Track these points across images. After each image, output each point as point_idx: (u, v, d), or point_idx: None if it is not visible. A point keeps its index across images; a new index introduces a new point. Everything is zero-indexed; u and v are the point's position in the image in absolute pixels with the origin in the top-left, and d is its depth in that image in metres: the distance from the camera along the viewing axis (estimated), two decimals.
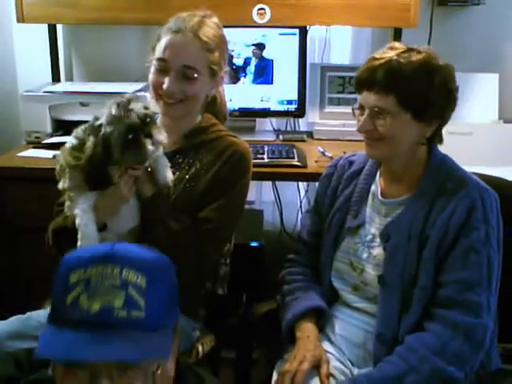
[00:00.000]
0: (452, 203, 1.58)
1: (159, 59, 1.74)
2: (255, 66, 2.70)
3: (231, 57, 2.64)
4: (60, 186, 1.68)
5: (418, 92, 1.55)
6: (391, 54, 1.58)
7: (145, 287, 1.03)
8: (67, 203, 1.68)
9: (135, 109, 1.57)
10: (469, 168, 1.69)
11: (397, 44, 1.63)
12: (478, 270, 1.54)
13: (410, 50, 1.60)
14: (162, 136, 1.62)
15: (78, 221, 1.63)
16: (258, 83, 2.72)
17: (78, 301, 1.01)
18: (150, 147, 1.57)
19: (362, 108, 1.63)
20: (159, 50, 1.74)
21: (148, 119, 1.59)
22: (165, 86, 1.73)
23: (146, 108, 1.61)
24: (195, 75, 1.74)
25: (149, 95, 1.85)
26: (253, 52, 2.69)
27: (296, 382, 1.56)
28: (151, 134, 1.59)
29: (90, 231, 1.62)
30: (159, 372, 1.05)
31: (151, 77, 1.77)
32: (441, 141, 1.68)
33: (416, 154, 1.65)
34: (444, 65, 1.60)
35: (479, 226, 1.55)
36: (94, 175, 1.60)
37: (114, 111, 1.57)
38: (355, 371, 1.65)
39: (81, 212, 1.63)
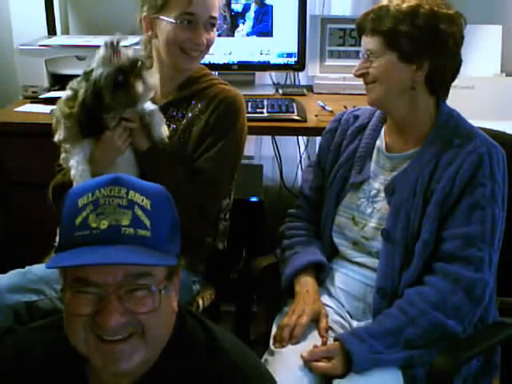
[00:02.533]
0: (459, 158, 1.57)
1: (186, 13, 1.71)
2: (255, 12, 2.65)
3: (229, 2, 2.60)
4: (56, 138, 1.68)
5: (402, 31, 1.57)
6: (386, 1, 1.62)
7: (150, 209, 1.06)
8: (62, 155, 1.69)
9: (125, 52, 1.57)
10: (471, 122, 1.68)
11: None
12: (482, 225, 1.54)
13: None
14: (152, 78, 1.61)
15: (73, 172, 1.63)
16: (256, 31, 2.67)
17: (87, 220, 1.03)
18: (139, 89, 1.57)
19: (361, 53, 1.68)
20: (181, 5, 1.70)
21: (139, 62, 1.58)
22: (197, 40, 1.73)
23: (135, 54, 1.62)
24: (217, 24, 1.78)
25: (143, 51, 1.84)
26: None
27: (294, 335, 1.58)
28: (142, 76, 1.58)
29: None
30: (165, 294, 1.07)
31: (173, 33, 1.72)
32: (446, 95, 1.68)
33: (417, 104, 1.64)
34: (442, 11, 1.60)
35: (485, 183, 1.55)
36: (87, 120, 1.60)
37: (102, 52, 1.56)
38: (354, 324, 1.67)
39: (75, 163, 1.63)
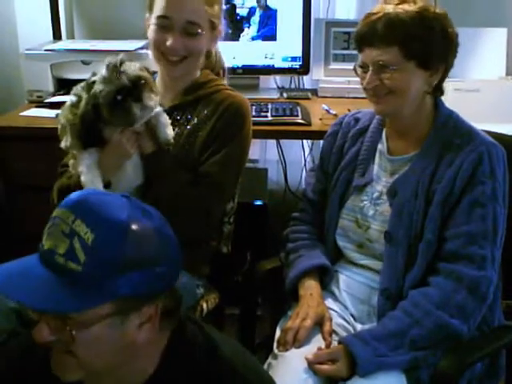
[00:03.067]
0: (459, 158, 1.57)
1: (161, 16, 1.71)
2: (259, 17, 2.65)
3: (234, 7, 2.60)
4: (62, 144, 1.68)
5: (420, 39, 1.55)
6: (387, 7, 1.57)
7: (90, 245, 1.02)
8: (71, 161, 1.69)
9: (128, 71, 1.55)
10: (476, 125, 1.68)
11: None
12: (483, 223, 1.54)
13: (404, 1, 1.59)
14: (152, 101, 1.60)
15: (83, 178, 1.63)
16: (261, 35, 2.67)
17: (43, 235, 1.07)
18: (137, 112, 1.56)
19: (364, 66, 1.62)
20: (159, 7, 1.71)
21: (141, 81, 1.57)
22: (168, 44, 1.71)
23: (142, 69, 1.59)
24: (198, 31, 1.72)
25: (150, 53, 1.83)
26: (257, 1, 2.64)
27: (298, 338, 1.58)
28: (141, 98, 1.57)
29: (96, 187, 1.62)
30: (75, 333, 1.04)
31: (152, 35, 1.75)
32: (441, 92, 1.67)
33: (423, 107, 1.64)
34: (441, 12, 1.59)
35: (485, 181, 1.55)
36: (86, 133, 1.60)
37: (104, 73, 1.56)
38: (358, 327, 1.66)
39: (86, 169, 1.64)
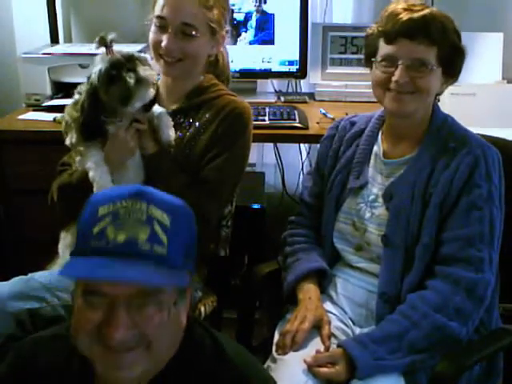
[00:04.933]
0: (455, 161, 1.58)
1: (158, 17, 1.74)
2: (256, 21, 2.66)
3: (232, 12, 2.61)
4: (67, 141, 1.70)
5: (454, 45, 1.58)
6: (420, 7, 1.58)
7: (169, 226, 1.05)
8: (78, 158, 1.70)
9: (120, 50, 1.59)
10: (472, 129, 1.69)
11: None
12: (480, 226, 1.55)
13: (425, 7, 1.60)
14: (147, 72, 1.61)
15: (92, 174, 1.65)
16: (258, 39, 2.68)
17: (105, 231, 1.02)
18: (131, 82, 1.57)
19: (391, 59, 1.59)
20: (158, 8, 1.74)
21: (134, 56, 1.60)
22: (163, 44, 1.73)
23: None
24: (193, 33, 1.73)
25: (149, 56, 1.83)
26: (255, 6, 2.65)
27: (296, 341, 1.58)
28: (134, 69, 1.59)
29: (105, 182, 1.64)
30: (175, 310, 1.07)
31: (151, 35, 1.77)
32: (438, 99, 1.71)
33: (428, 109, 1.66)
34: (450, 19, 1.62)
35: (482, 184, 1.55)
36: (86, 123, 1.61)
37: (95, 47, 1.59)
38: (357, 330, 1.66)
39: (94, 165, 1.65)
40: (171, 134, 1.73)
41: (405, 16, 1.56)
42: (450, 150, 1.60)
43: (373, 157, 1.74)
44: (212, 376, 1.13)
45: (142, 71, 1.60)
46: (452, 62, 1.59)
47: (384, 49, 1.60)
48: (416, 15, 1.55)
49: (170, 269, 1.04)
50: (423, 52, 1.55)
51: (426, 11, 1.56)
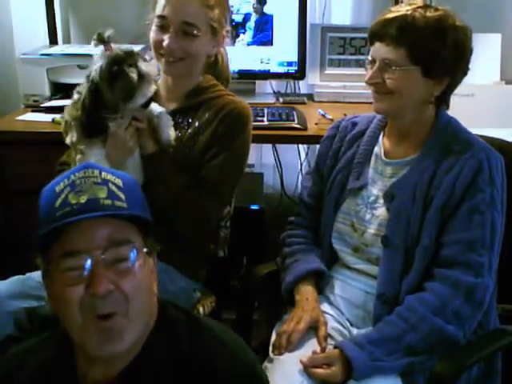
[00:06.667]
0: (458, 164, 1.58)
1: (159, 16, 1.74)
2: (255, 22, 2.66)
3: (230, 13, 2.61)
4: (68, 140, 1.70)
5: (430, 47, 1.55)
6: (407, 8, 1.58)
7: (122, 186, 1.12)
8: (78, 156, 1.70)
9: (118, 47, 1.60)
10: (470, 130, 1.68)
11: (416, 0, 1.62)
12: (482, 230, 1.54)
13: (427, 6, 1.60)
14: (149, 68, 1.62)
15: None
16: (257, 40, 2.68)
17: (67, 199, 1.08)
18: (134, 76, 1.57)
19: (373, 61, 1.62)
20: (159, 7, 1.74)
21: (133, 52, 1.60)
22: (165, 44, 1.73)
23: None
24: (195, 32, 1.74)
25: (148, 56, 1.84)
26: (253, 7, 2.65)
27: (292, 341, 1.58)
28: (136, 65, 1.59)
29: None
30: (145, 265, 1.12)
31: (152, 35, 1.78)
32: (447, 106, 1.68)
33: (424, 114, 1.65)
34: (461, 25, 1.59)
35: (485, 188, 1.55)
36: (88, 120, 1.62)
37: (93, 45, 1.59)
38: (354, 332, 1.66)
39: (95, 162, 1.64)
40: (171, 133, 1.73)
41: (381, 18, 1.60)
42: (454, 153, 1.60)
43: (373, 157, 1.74)
44: (190, 348, 1.15)
45: (143, 66, 1.60)
46: (428, 62, 1.56)
47: (371, 50, 1.65)
48: (387, 17, 1.58)
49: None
50: (390, 52, 1.57)
51: (402, 12, 1.57)
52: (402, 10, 1.58)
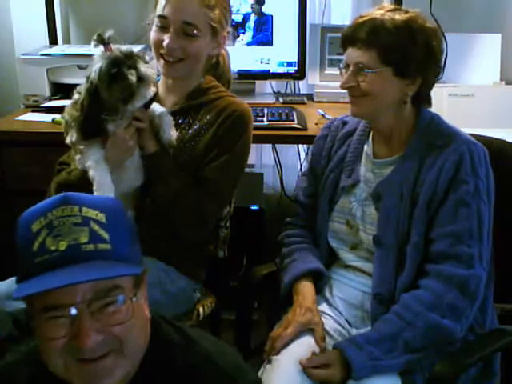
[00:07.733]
0: (440, 159, 1.58)
1: (159, 16, 1.74)
2: (254, 22, 2.66)
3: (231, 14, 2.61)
4: (67, 140, 1.70)
5: (399, 47, 1.57)
6: (377, 12, 1.60)
7: (106, 222, 1.04)
8: (78, 156, 1.70)
9: (118, 47, 1.59)
10: (470, 130, 1.69)
11: (386, 4, 1.64)
12: (468, 222, 1.55)
13: (397, 9, 1.62)
14: (149, 70, 1.61)
15: (92, 172, 1.64)
16: (257, 40, 2.68)
17: (45, 244, 1.01)
18: (133, 79, 1.57)
19: (347, 66, 1.64)
20: (159, 7, 1.74)
21: (133, 53, 1.59)
22: (165, 43, 1.73)
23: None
24: (195, 32, 1.73)
25: (148, 57, 1.84)
26: (252, 7, 2.65)
27: (275, 346, 1.58)
28: (135, 67, 1.58)
29: (105, 181, 1.64)
30: (136, 303, 1.05)
31: (152, 35, 1.77)
32: (429, 104, 1.69)
33: (402, 114, 1.66)
34: (430, 26, 1.62)
35: (468, 179, 1.56)
36: (86, 121, 1.61)
37: (93, 45, 1.59)
38: (353, 332, 1.67)
39: (94, 163, 1.65)
40: (173, 133, 1.73)
41: (351, 24, 1.64)
42: (436, 148, 1.61)
43: (364, 156, 1.75)
44: (183, 370, 1.11)
45: (143, 68, 1.60)
46: (400, 63, 1.57)
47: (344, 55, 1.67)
48: (357, 22, 1.61)
49: (118, 261, 1.03)
50: (362, 56, 1.59)
51: (371, 16, 1.59)
52: (371, 14, 1.61)
